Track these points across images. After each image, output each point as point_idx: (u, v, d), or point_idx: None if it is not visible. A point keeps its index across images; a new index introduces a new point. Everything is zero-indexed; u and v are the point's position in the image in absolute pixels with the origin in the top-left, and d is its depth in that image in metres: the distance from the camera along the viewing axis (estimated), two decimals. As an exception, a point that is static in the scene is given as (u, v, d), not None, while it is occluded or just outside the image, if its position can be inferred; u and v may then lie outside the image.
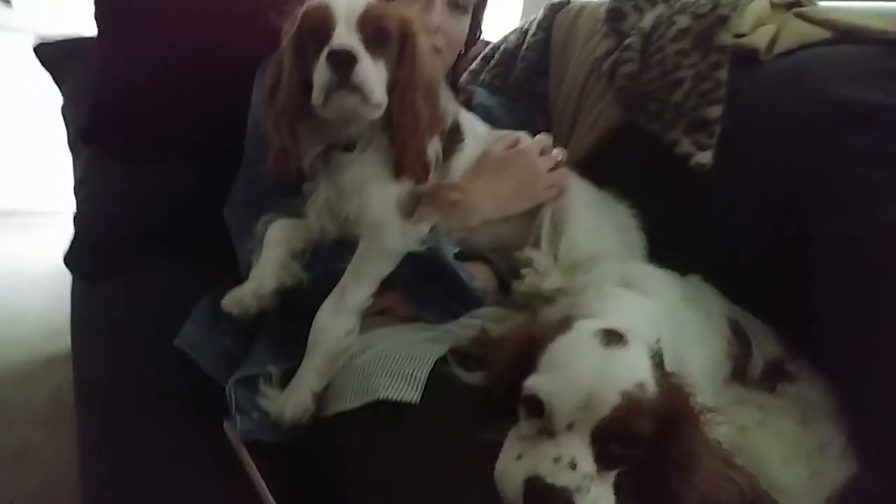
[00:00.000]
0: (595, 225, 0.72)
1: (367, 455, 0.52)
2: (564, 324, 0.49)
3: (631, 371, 0.44)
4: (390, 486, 0.49)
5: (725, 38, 0.73)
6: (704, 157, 0.71)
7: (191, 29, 0.96)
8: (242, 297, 0.64)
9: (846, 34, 0.76)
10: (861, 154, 0.65)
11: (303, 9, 0.63)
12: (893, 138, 0.64)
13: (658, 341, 0.52)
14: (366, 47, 0.60)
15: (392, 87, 0.63)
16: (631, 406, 0.43)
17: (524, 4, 1.70)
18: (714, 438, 0.50)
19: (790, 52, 0.76)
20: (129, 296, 0.82)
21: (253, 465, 0.54)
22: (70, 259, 0.91)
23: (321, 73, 0.59)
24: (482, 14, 0.97)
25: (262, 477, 0.53)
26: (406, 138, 0.64)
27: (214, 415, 0.60)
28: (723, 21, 0.73)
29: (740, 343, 0.70)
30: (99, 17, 1.00)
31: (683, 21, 0.76)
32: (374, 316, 0.65)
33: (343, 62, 0.58)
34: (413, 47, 0.65)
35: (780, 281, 0.73)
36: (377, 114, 0.63)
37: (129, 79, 0.94)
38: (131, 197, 0.93)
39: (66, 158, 1.08)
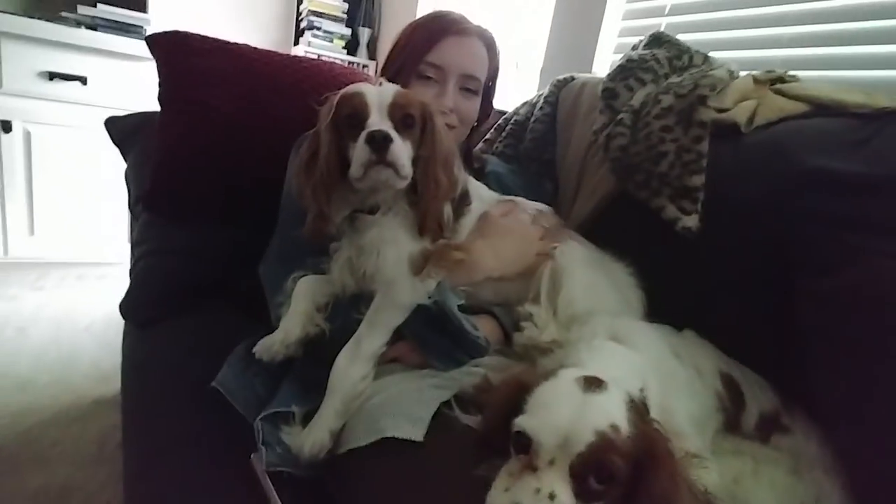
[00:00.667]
0: (592, 282, 0.79)
1: (374, 487, 0.58)
2: (550, 372, 0.55)
3: (606, 413, 0.50)
4: None
5: (705, 115, 0.81)
6: (690, 221, 0.78)
7: (237, 111, 1.11)
8: (272, 345, 0.73)
9: (822, 108, 0.84)
10: (834, 218, 0.71)
11: (338, 96, 0.75)
12: (863, 203, 0.69)
13: (641, 390, 0.58)
14: (395, 130, 0.71)
15: (415, 161, 0.74)
16: (604, 444, 0.48)
17: (540, 79, 1.84)
18: (695, 482, 0.54)
19: (769, 125, 0.84)
20: (175, 342, 0.92)
21: (275, 494, 0.61)
22: (125, 308, 1.03)
23: (360, 152, 0.69)
24: (493, 93, 1.09)
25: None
26: (428, 203, 0.74)
27: (245, 449, 0.67)
28: (702, 100, 0.82)
29: (733, 396, 0.74)
30: (162, 99, 1.17)
31: (668, 100, 0.85)
32: (387, 363, 0.72)
33: (380, 143, 0.68)
34: (432, 127, 0.76)
35: (770, 336, 0.77)
36: (405, 184, 0.73)
37: (182, 154, 1.09)
38: (181, 255, 1.07)
39: (121, 217, 1.22)
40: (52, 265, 2.28)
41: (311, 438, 0.65)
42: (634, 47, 1.06)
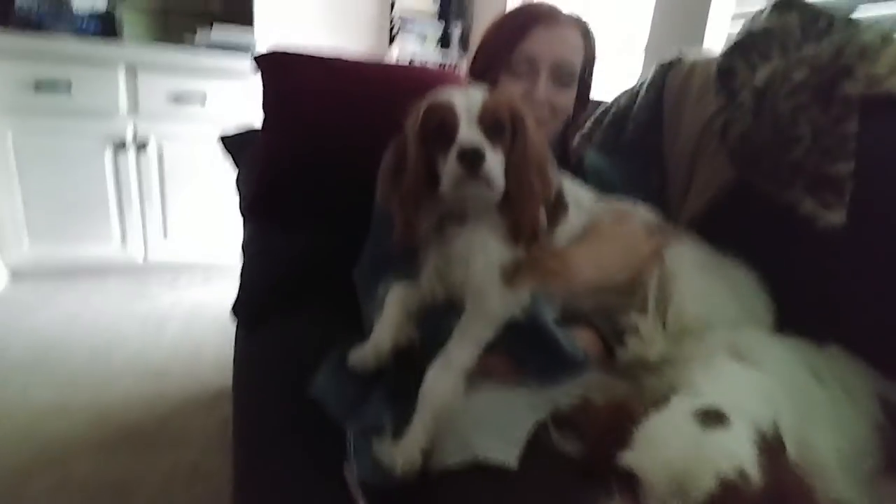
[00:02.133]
0: (707, 289, 0.70)
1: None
2: (661, 399, 0.48)
3: (731, 455, 0.42)
4: None
5: (852, 88, 0.67)
6: (835, 217, 0.65)
7: (331, 121, 1.14)
8: (364, 355, 0.73)
9: None
10: None
11: (425, 104, 0.73)
12: None
13: (774, 422, 0.49)
14: (486, 138, 0.68)
15: (507, 167, 0.70)
16: (729, 495, 0.41)
17: (644, 58, 1.69)
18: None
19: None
20: (279, 341, 0.97)
21: (363, 500, 0.60)
22: (236, 309, 1.11)
23: (452, 167, 0.67)
24: (590, 81, 1.00)
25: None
26: (521, 209, 0.71)
27: (340, 451, 0.68)
28: (846, 71, 0.68)
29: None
30: (265, 111, 1.24)
31: (801, 74, 0.72)
32: (480, 377, 0.69)
33: (472, 159, 0.66)
34: (523, 130, 0.72)
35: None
36: (498, 196, 0.70)
37: (284, 163, 1.14)
38: (283, 258, 1.12)
39: (240, 222, 1.32)
40: (183, 266, 2.55)
41: (402, 456, 0.63)
42: (755, 17, 0.92)
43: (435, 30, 3.04)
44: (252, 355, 0.98)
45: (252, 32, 2.46)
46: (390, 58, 3.07)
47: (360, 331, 0.80)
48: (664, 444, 0.44)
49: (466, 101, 0.69)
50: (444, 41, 3.06)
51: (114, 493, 1.29)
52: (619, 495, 0.45)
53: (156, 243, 2.48)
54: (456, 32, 3.02)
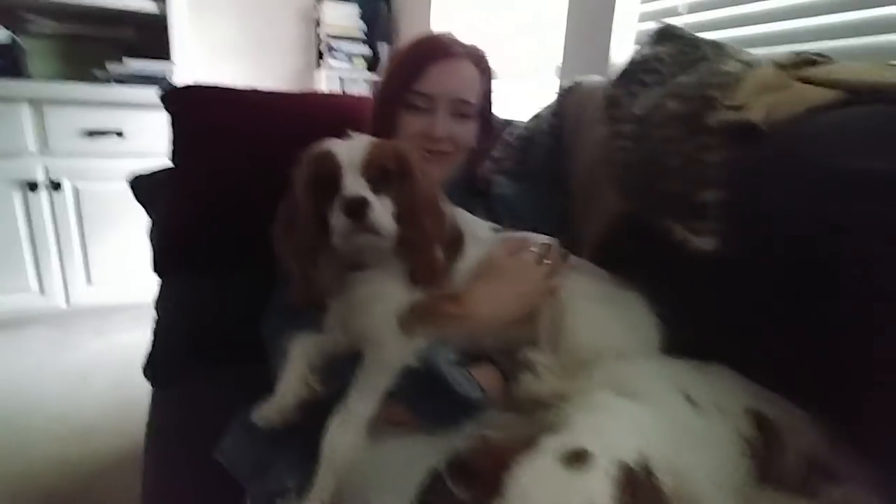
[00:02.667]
0: (597, 319, 0.72)
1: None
2: (531, 441, 0.50)
3: (589, 498, 0.44)
4: None
5: (714, 120, 0.72)
6: (704, 243, 0.70)
7: (246, 160, 1.12)
8: (268, 412, 0.71)
9: (854, 94, 0.73)
10: (879, 229, 0.60)
11: (309, 155, 0.73)
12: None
13: (642, 455, 0.51)
14: (372, 187, 0.69)
15: (398, 213, 0.71)
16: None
17: (559, 82, 1.75)
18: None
19: (793, 120, 0.74)
20: (190, 404, 0.95)
21: None
22: (147, 371, 1.05)
23: (338, 220, 0.67)
24: (489, 113, 1.03)
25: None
26: (417, 253, 0.72)
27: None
28: (709, 102, 0.73)
29: (766, 438, 0.65)
30: (173, 153, 1.19)
31: (672, 105, 0.76)
32: (381, 427, 0.69)
33: (357, 210, 0.66)
34: (410, 175, 0.73)
35: (813, 365, 0.67)
36: (390, 244, 0.70)
37: (194, 210, 1.11)
38: (195, 311, 1.08)
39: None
40: (110, 309, 2.42)
41: None
42: (642, 45, 0.97)
43: (362, 51, 3.04)
44: (164, 420, 0.94)
45: (169, 65, 2.38)
46: (318, 80, 3.05)
47: (271, 387, 0.78)
48: (531, 495, 0.45)
49: (349, 151, 0.70)
50: (373, 63, 3.06)
51: None
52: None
53: (78, 288, 2.35)
54: (384, 53, 3.03)
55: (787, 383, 0.68)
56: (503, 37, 2.35)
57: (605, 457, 0.47)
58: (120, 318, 2.41)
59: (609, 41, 1.61)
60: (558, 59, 1.82)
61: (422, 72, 0.92)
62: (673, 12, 1.48)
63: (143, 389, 1.76)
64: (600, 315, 0.73)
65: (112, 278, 2.39)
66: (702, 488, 0.55)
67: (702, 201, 0.70)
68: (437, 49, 0.93)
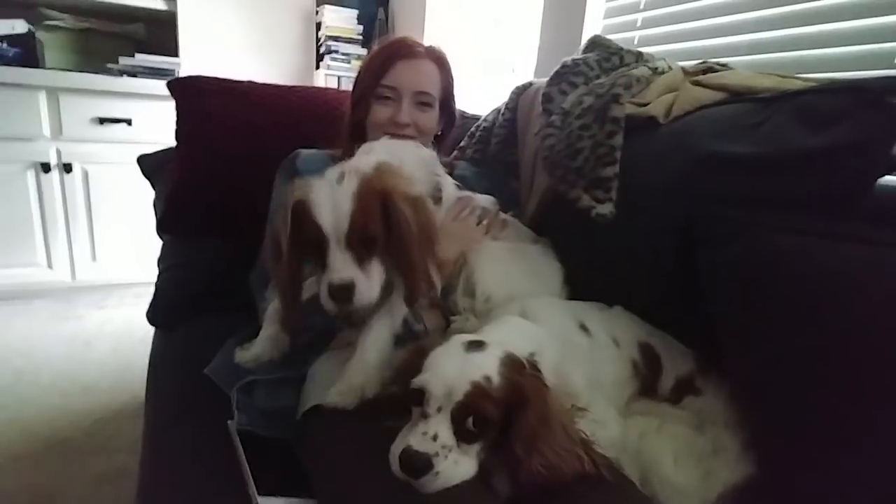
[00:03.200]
0: (504, 273, 0.90)
1: (317, 443, 0.71)
2: (445, 338, 0.67)
3: (480, 367, 0.61)
4: (322, 462, 0.68)
5: (617, 111, 0.90)
6: (604, 209, 0.87)
7: (237, 142, 1.30)
8: (246, 359, 0.84)
9: (735, 95, 0.91)
10: (726, 197, 0.78)
11: (292, 207, 0.73)
12: (751, 181, 0.76)
13: (532, 354, 0.68)
14: (358, 256, 0.71)
15: (390, 250, 0.74)
16: (477, 392, 0.59)
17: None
18: (576, 429, 0.64)
19: (686, 115, 0.91)
20: (186, 340, 1.11)
21: (241, 451, 0.75)
22: (150, 315, 1.23)
23: (325, 299, 0.70)
24: (453, 103, 1.20)
25: (249, 463, 0.74)
26: (411, 282, 0.75)
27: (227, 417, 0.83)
28: (615, 98, 0.91)
29: (649, 363, 0.82)
30: (178, 136, 1.37)
31: (588, 100, 0.94)
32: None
33: (344, 295, 0.69)
34: (396, 214, 0.73)
35: (686, 307, 0.85)
36: (375, 300, 0.73)
37: (192, 182, 1.28)
38: (192, 268, 1.26)
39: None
40: (113, 286, 2.59)
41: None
42: (576, 53, 1.15)
43: (359, 52, 3.22)
44: (163, 352, 1.11)
45: (176, 61, 2.56)
46: (317, 79, 3.23)
47: (255, 325, 0.94)
48: (440, 364, 0.61)
49: (335, 221, 0.70)
50: (368, 64, 3.24)
51: (39, 498, 1.35)
52: (413, 406, 0.63)
53: (84, 264, 2.51)
54: (379, 55, 3.21)
55: (672, 325, 0.86)
56: (486, 38, 2.55)
57: (498, 347, 0.64)
58: (121, 294, 2.58)
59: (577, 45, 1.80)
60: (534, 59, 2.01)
61: (388, 68, 1.09)
62: (632, 26, 1.67)
63: (139, 355, 1.93)
64: (506, 269, 0.90)
65: (115, 257, 2.55)
66: (577, 389, 0.72)
67: (603, 175, 0.88)
68: (402, 49, 1.10)
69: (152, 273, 1.32)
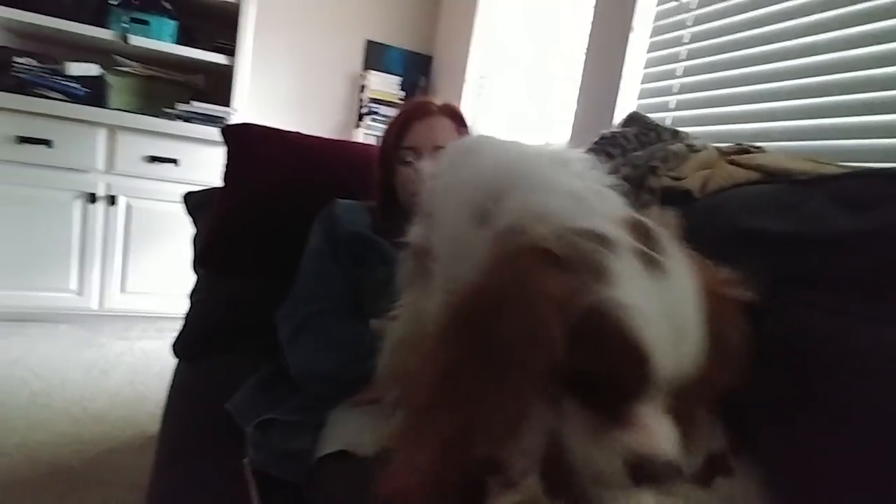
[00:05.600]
0: None
1: (330, 485, 0.70)
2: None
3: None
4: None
5: (654, 183, 0.92)
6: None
7: (279, 187, 1.36)
8: None
9: (769, 175, 0.92)
10: (763, 273, 0.78)
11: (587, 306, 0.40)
12: (788, 258, 0.76)
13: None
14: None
15: None
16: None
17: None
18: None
19: (720, 191, 0.93)
20: (209, 375, 1.11)
21: (255, 486, 0.74)
22: (176, 346, 1.24)
23: (619, 477, 0.47)
24: None
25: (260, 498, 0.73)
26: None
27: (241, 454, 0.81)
28: (652, 170, 0.93)
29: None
30: (224, 175, 1.44)
31: (625, 171, 0.97)
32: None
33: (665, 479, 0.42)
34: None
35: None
36: None
37: (233, 220, 1.34)
38: (222, 302, 1.28)
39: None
40: (137, 318, 2.63)
41: None
42: (613, 126, 1.19)
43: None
44: (183, 383, 1.11)
45: (229, 111, 2.73)
46: (356, 136, 3.39)
47: (275, 363, 0.94)
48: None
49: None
50: (406, 126, 3.40)
51: None
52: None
53: (113, 294, 2.57)
54: (416, 119, 3.37)
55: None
56: (521, 110, 2.66)
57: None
58: (144, 327, 2.61)
59: (612, 115, 1.87)
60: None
61: (407, 130, 1.14)
62: (665, 107, 1.74)
63: (154, 389, 1.93)
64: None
65: (144, 289, 2.62)
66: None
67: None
68: (417, 110, 1.16)
69: (177, 308, 1.35)
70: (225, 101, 2.74)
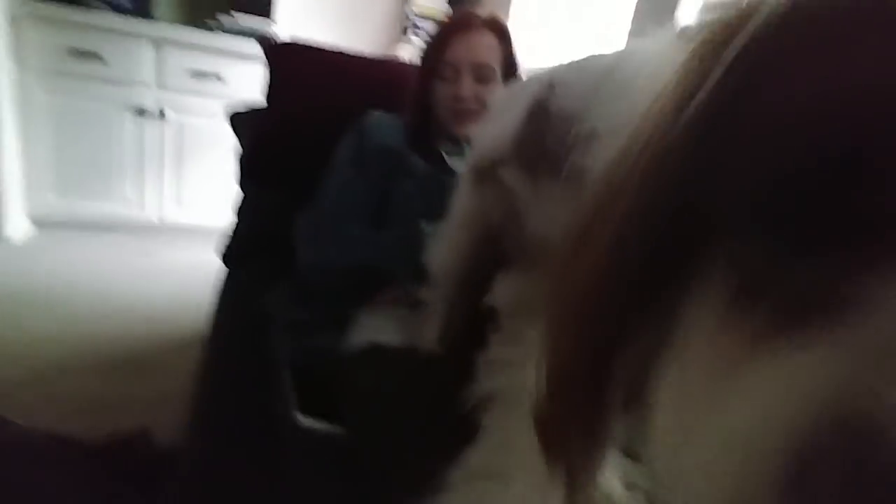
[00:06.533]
0: None
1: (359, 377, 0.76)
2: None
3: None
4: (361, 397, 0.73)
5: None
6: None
7: (320, 102, 1.37)
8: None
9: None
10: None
11: None
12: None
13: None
14: None
15: None
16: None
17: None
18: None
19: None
20: (252, 279, 1.20)
21: (285, 369, 0.81)
22: (223, 255, 1.34)
23: None
24: (515, 72, 1.16)
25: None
26: None
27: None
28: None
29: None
30: (266, 93, 1.45)
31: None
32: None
33: None
34: None
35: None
36: None
37: (272, 137, 1.38)
38: (262, 214, 1.36)
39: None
40: (193, 229, 2.77)
41: None
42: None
43: (442, 31, 3.24)
44: (229, 288, 1.21)
45: (270, 22, 2.68)
46: (399, 53, 3.29)
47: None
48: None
49: None
50: (449, 44, 3.27)
51: (102, 407, 1.48)
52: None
53: (170, 206, 2.72)
54: (461, 36, 3.22)
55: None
56: (570, 35, 2.49)
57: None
58: (192, 237, 2.76)
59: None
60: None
61: (446, 44, 1.09)
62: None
63: (202, 293, 2.08)
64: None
65: (198, 202, 2.75)
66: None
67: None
68: (458, 23, 1.11)
69: (223, 219, 1.42)
70: (265, 10, 2.69)
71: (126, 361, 1.72)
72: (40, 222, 2.55)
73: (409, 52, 3.19)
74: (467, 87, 1.08)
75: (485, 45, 1.10)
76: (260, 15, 2.65)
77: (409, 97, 1.21)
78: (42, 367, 1.62)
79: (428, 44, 1.16)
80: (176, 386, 1.59)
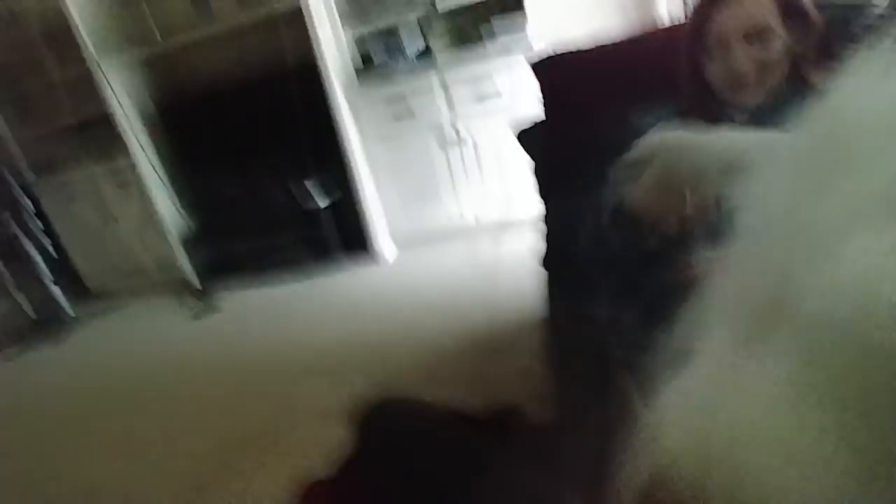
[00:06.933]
0: None
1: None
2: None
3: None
4: None
5: None
6: None
7: (599, 107, 1.43)
8: None
9: None
10: None
11: None
12: None
13: None
14: None
15: None
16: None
17: None
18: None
19: None
20: (563, 284, 1.40)
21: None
22: (543, 262, 1.57)
23: None
24: (799, 13, 0.95)
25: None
26: None
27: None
28: None
29: None
30: (544, 110, 1.63)
31: None
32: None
33: None
34: None
35: None
36: None
37: (559, 154, 1.54)
38: (563, 224, 1.53)
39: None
40: (501, 224, 3.17)
41: None
42: None
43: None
44: (551, 293, 1.43)
45: (524, 17, 2.89)
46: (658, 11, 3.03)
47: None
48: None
49: None
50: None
51: (470, 384, 1.90)
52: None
53: (481, 209, 3.27)
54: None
55: None
56: None
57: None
58: (506, 230, 3.19)
59: None
60: None
61: (706, 19, 0.96)
62: None
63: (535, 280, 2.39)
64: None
65: (501, 203, 3.20)
66: None
67: None
68: None
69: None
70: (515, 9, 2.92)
71: (488, 343, 2.16)
72: (399, 243, 3.44)
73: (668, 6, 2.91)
74: (741, 59, 0.94)
75: (752, 4, 0.93)
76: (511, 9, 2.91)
77: (680, 79, 1.16)
78: (427, 356, 2.22)
79: (690, 21, 1.04)
80: (531, 362, 1.93)
